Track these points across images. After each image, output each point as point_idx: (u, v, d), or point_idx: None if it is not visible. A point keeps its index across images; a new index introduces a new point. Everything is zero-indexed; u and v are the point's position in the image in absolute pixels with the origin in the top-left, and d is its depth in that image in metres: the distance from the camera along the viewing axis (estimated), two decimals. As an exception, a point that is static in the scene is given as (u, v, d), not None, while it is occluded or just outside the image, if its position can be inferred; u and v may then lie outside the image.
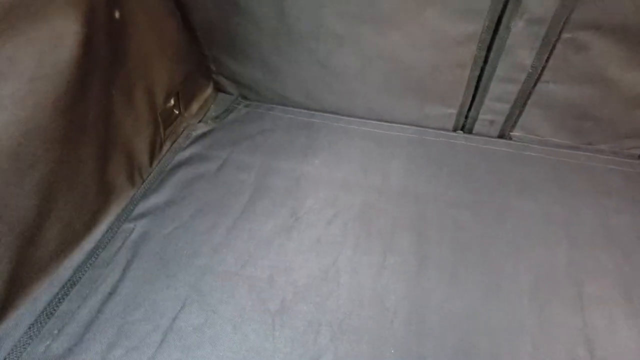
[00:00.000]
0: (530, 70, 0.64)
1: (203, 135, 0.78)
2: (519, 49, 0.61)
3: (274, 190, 0.68)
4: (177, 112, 0.77)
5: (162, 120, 0.72)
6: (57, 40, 0.49)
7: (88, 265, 0.57)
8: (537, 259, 0.59)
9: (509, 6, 0.57)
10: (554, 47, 0.59)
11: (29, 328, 0.51)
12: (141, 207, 0.65)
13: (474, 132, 0.78)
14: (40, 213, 0.51)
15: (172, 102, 0.75)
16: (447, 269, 0.58)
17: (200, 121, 0.81)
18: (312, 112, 0.82)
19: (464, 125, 0.78)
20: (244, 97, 0.86)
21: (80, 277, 0.56)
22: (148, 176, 0.70)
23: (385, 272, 0.57)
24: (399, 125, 0.79)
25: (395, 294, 0.55)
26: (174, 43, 0.72)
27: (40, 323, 0.51)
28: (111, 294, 0.54)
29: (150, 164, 0.71)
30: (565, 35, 0.57)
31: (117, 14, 0.57)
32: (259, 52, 0.75)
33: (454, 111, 0.75)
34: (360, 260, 0.59)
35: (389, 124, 0.80)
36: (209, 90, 0.86)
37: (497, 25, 0.59)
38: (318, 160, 0.73)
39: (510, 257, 0.59)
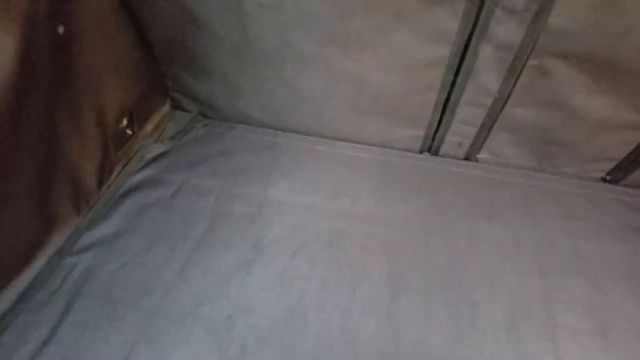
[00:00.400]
0: (497, 95, 0.63)
1: (158, 156, 0.73)
2: (486, 73, 0.60)
3: (235, 218, 0.64)
4: (130, 132, 0.71)
5: (114, 142, 0.66)
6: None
7: (20, 309, 0.51)
8: (510, 289, 0.57)
9: (477, 31, 0.55)
10: (520, 72, 0.58)
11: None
12: (86, 239, 0.59)
13: (440, 153, 0.77)
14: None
15: (125, 122, 0.69)
16: (420, 301, 0.55)
17: (155, 141, 0.75)
18: (277, 132, 0.78)
19: (431, 147, 0.76)
20: (204, 115, 0.81)
21: (10, 323, 0.49)
22: (95, 203, 0.64)
23: (356, 308, 0.54)
24: (366, 146, 0.77)
25: (367, 332, 0.52)
26: (129, 60, 0.66)
27: (-39, 380, 0.45)
28: (46, 342, 0.48)
29: (99, 189, 0.65)
30: (531, 62, 0.57)
31: (60, 29, 0.52)
32: (220, 70, 0.70)
33: (421, 133, 0.73)
34: (329, 296, 0.55)
35: (356, 144, 0.77)
36: (166, 108, 0.80)
37: (464, 50, 0.58)
38: (283, 184, 0.69)
39: (484, 287, 0.57)
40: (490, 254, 0.61)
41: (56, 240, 0.58)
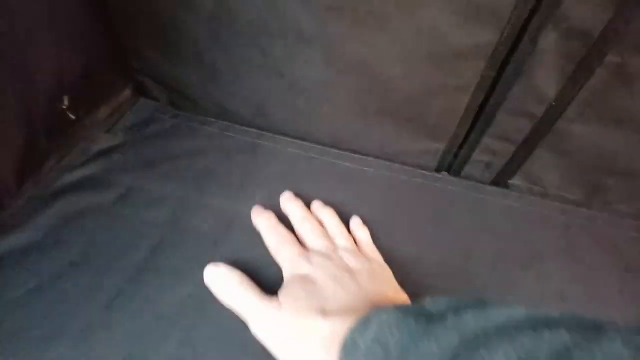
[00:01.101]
0: (554, 103, 0.47)
1: (107, 151, 0.57)
2: (544, 71, 0.45)
3: (192, 238, 0.48)
4: (72, 117, 0.55)
5: (45, 127, 0.51)
6: None
7: None
8: None
9: (541, 11, 0.40)
10: (592, 73, 0.43)
11: None
12: (-13, 252, 0.44)
13: (462, 174, 0.62)
14: None
15: (66, 102, 0.54)
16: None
17: (107, 131, 0.60)
18: (260, 133, 0.63)
19: (451, 165, 0.61)
20: (174, 105, 0.66)
21: None
22: (11, 205, 0.48)
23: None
24: (369, 158, 0.61)
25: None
26: (73, 19, 0.51)
27: None
28: None
29: (20, 187, 0.50)
30: (611, 59, 0.41)
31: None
32: (194, 47, 0.55)
33: (441, 147, 0.58)
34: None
35: (356, 156, 0.62)
36: (127, 93, 0.65)
37: (518, 37, 0.43)
38: (260, 197, 0.54)
39: None
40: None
41: (-57, 252, 0.42)
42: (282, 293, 0.39)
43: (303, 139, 0.62)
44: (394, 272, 0.45)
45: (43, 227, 0.47)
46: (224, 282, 0.41)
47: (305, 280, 0.39)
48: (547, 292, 0.48)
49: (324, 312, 0.35)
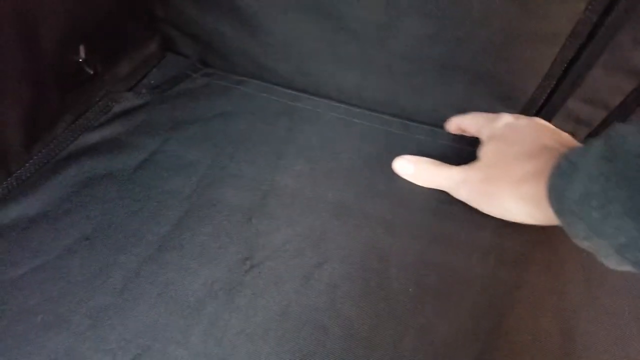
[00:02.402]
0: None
1: (130, 111, 0.51)
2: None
3: (223, 210, 0.41)
4: (90, 71, 0.49)
5: (58, 81, 0.45)
6: None
7: None
8: None
9: None
10: None
11: None
12: (-8, 219, 0.38)
13: (532, 146, 0.52)
14: None
15: (82, 54, 0.47)
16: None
17: (130, 89, 0.54)
18: (299, 94, 0.55)
19: (520, 135, 0.52)
20: (204, 63, 0.59)
21: None
22: (19, 168, 0.43)
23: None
24: (423, 126, 0.53)
25: None
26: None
27: None
28: None
29: (28, 148, 0.44)
30: None
31: None
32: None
33: (515, 110, 0.49)
34: (357, 353, 0.32)
35: (409, 122, 0.53)
36: (153, 47, 0.58)
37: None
38: (300, 166, 0.46)
39: None
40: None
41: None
42: (481, 153, 0.41)
43: (346, 102, 0.54)
44: (452, 253, 0.40)
45: (53, 195, 0.41)
46: (418, 166, 0.44)
47: (493, 139, 0.40)
48: None
49: (524, 155, 0.36)
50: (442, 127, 0.51)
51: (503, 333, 0.35)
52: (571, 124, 0.48)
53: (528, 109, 0.48)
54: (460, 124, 0.48)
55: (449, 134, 0.51)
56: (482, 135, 0.43)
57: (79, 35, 0.46)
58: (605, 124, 0.47)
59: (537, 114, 0.49)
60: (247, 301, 0.35)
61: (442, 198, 0.43)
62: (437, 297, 0.36)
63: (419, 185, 0.45)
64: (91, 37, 0.47)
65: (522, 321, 0.36)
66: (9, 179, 0.42)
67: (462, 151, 0.49)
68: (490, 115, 0.44)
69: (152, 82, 0.55)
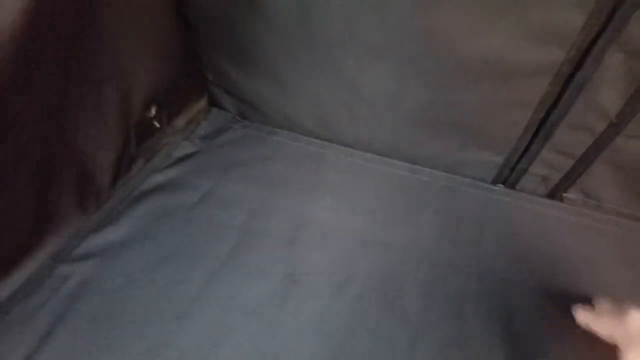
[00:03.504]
0: (614, 120, 0.49)
1: (186, 157, 0.62)
2: (607, 88, 0.47)
3: (268, 237, 0.52)
4: (157, 125, 0.61)
5: (136, 133, 0.56)
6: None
7: (-8, 326, 0.40)
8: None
9: (607, 32, 0.42)
10: (655, 92, 0.45)
11: None
12: (88, 245, 0.49)
13: (517, 187, 0.64)
14: None
15: (153, 112, 0.59)
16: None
17: (185, 139, 0.65)
18: (323, 142, 0.67)
19: (507, 178, 0.63)
20: (243, 116, 0.71)
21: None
22: (106, 202, 0.54)
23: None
24: (426, 169, 0.64)
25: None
26: (163, 37, 0.57)
27: None
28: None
29: (112, 186, 0.55)
30: (675, 79, 0.43)
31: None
32: (269, 61, 0.60)
33: (499, 160, 0.61)
34: (379, 348, 0.42)
35: (414, 166, 0.65)
36: (202, 103, 0.70)
37: (583, 57, 0.45)
38: (328, 202, 0.57)
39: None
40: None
41: (52, 244, 0.47)
42: None
43: (363, 149, 0.66)
44: (460, 276, 0.49)
45: (133, 224, 0.52)
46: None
47: (633, 346, 0.38)
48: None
49: None
50: (441, 170, 0.63)
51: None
52: (547, 169, 0.60)
53: (511, 157, 0.60)
54: (588, 326, 0.44)
55: (447, 176, 0.63)
56: (616, 340, 0.40)
57: (152, 97, 0.58)
58: (573, 170, 0.58)
59: (519, 161, 0.60)
60: (293, 306, 0.45)
61: (451, 226, 0.54)
62: (446, 301, 0.47)
63: (429, 217, 0.56)
64: (161, 98, 0.59)
65: None
66: (96, 212, 0.53)
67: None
68: (616, 312, 0.41)
69: (202, 132, 0.67)
